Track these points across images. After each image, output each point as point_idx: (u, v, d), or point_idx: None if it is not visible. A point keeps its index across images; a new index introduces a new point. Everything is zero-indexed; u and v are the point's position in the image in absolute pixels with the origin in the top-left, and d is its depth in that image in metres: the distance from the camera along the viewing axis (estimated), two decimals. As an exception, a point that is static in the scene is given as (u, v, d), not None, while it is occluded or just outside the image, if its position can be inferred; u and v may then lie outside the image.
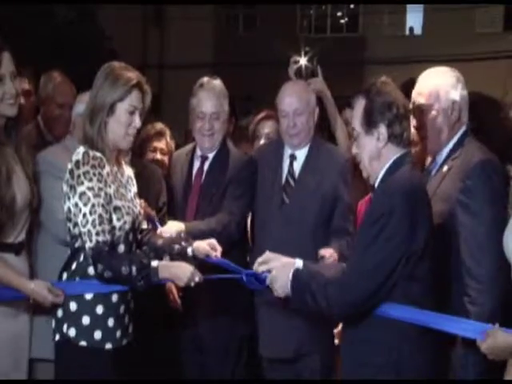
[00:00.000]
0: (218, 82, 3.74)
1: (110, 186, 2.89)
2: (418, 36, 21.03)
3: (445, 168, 3.01)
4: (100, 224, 2.80)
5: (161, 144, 4.12)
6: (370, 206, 2.70)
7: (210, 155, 3.75)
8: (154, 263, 2.87)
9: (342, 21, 21.73)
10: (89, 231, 2.79)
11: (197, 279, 2.89)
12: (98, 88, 2.93)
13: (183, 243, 3.15)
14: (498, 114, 3.72)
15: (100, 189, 2.83)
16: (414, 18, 21.21)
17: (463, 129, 3.07)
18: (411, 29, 21.46)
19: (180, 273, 2.89)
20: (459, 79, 3.08)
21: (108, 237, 2.82)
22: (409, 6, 20.81)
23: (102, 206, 2.83)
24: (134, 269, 2.82)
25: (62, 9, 16.16)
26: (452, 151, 3.04)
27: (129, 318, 3.03)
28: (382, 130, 2.65)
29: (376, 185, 2.72)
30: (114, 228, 2.88)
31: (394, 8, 20.30)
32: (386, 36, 20.43)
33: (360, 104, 2.71)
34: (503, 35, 18.67)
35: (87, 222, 2.79)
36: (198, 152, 3.79)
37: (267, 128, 4.18)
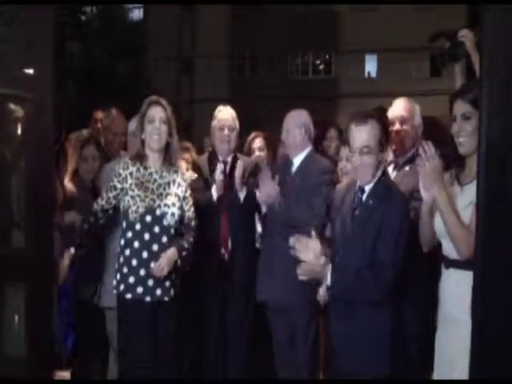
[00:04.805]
0: (230, 108, 3.68)
1: (126, 182, 2.95)
2: (374, 78, 20.99)
3: (407, 168, 2.92)
4: (101, 200, 3.01)
5: (187, 156, 3.99)
6: (362, 208, 2.49)
7: (228, 159, 3.62)
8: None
9: (321, 67, 21.76)
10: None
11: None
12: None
13: None
14: (443, 132, 3.72)
15: (112, 181, 2.97)
16: (371, 66, 21.14)
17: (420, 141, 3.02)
18: (369, 73, 21.42)
19: None
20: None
21: (97, 208, 3.00)
22: (367, 57, 20.83)
23: (106, 191, 3.00)
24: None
25: (122, 64, 16.44)
26: (412, 157, 2.87)
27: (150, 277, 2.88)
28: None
29: (370, 188, 2.50)
30: (129, 211, 2.94)
31: (356, 58, 20.32)
32: (351, 78, 20.44)
33: (375, 126, 2.45)
34: (430, 79, 18.88)
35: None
36: (220, 157, 3.62)
37: (257, 143, 4.17)
